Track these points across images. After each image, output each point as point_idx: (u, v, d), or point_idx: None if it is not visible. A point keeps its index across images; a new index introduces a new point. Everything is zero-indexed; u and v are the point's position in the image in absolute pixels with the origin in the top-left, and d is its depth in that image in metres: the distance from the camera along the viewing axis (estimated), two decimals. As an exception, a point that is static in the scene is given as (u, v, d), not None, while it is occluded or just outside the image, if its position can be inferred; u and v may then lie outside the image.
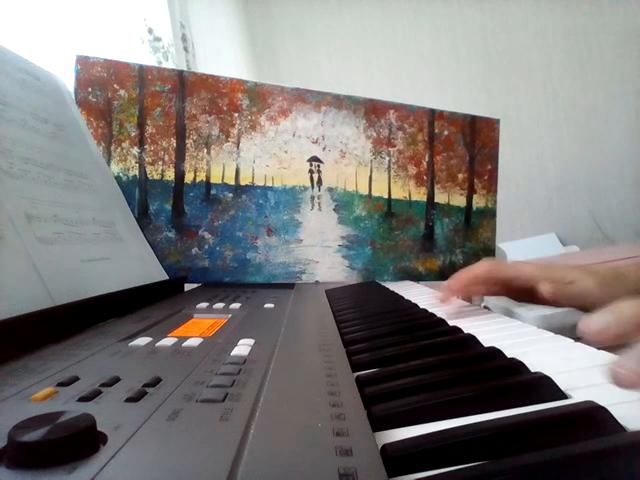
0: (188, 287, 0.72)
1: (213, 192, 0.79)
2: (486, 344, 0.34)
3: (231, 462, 0.16)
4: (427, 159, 0.93)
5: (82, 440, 0.17)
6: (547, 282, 0.44)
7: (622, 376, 0.20)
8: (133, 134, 0.75)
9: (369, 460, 0.17)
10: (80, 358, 0.30)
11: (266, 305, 0.53)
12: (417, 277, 0.92)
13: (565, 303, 0.45)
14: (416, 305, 0.54)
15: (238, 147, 0.80)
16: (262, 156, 0.82)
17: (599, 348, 0.29)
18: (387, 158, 0.90)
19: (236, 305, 0.52)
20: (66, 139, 0.56)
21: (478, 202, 0.98)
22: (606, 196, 1.66)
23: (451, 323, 0.43)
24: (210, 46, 1.35)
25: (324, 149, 0.86)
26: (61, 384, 0.24)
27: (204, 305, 0.51)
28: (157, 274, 0.64)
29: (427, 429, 0.21)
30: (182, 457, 0.17)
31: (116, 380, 0.25)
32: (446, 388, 0.26)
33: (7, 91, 0.49)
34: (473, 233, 0.97)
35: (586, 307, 0.43)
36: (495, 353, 0.32)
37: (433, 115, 0.93)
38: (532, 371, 0.28)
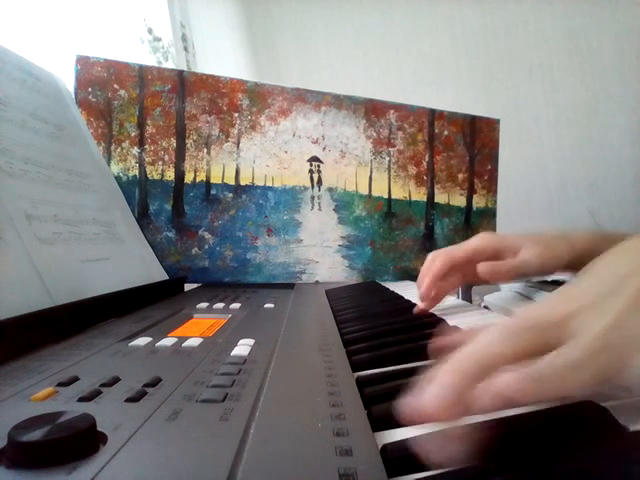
0: (188, 287, 0.72)
1: (213, 192, 0.79)
2: (486, 344, 0.34)
3: (231, 462, 0.16)
4: (427, 159, 0.93)
5: (82, 440, 0.17)
6: (483, 265, 0.47)
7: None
8: (133, 134, 0.75)
9: (369, 460, 0.17)
10: (80, 358, 0.30)
11: (266, 305, 0.53)
12: (417, 277, 0.91)
13: (504, 279, 0.48)
14: (416, 305, 0.54)
15: (238, 147, 0.80)
16: (262, 156, 0.82)
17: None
18: (387, 158, 0.90)
19: (236, 305, 0.52)
20: (66, 139, 0.56)
21: (478, 202, 0.98)
22: (606, 196, 1.66)
23: (451, 323, 0.43)
24: (210, 46, 1.35)
25: (324, 149, 0.86)
26: (61, 384, 0.24)
27: (204, 305, 0.51)
28: (157, 274, 0.64)
29: (427, 429, 0.21)
30: (182, 457, 0.17)
31: (116, 380, 0.25)
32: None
33: (7, 91, 0.49)
34: (473, 233, 0.97)
35: (529, 277, 0.48)
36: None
37: (433, 115, 0.93)
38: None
